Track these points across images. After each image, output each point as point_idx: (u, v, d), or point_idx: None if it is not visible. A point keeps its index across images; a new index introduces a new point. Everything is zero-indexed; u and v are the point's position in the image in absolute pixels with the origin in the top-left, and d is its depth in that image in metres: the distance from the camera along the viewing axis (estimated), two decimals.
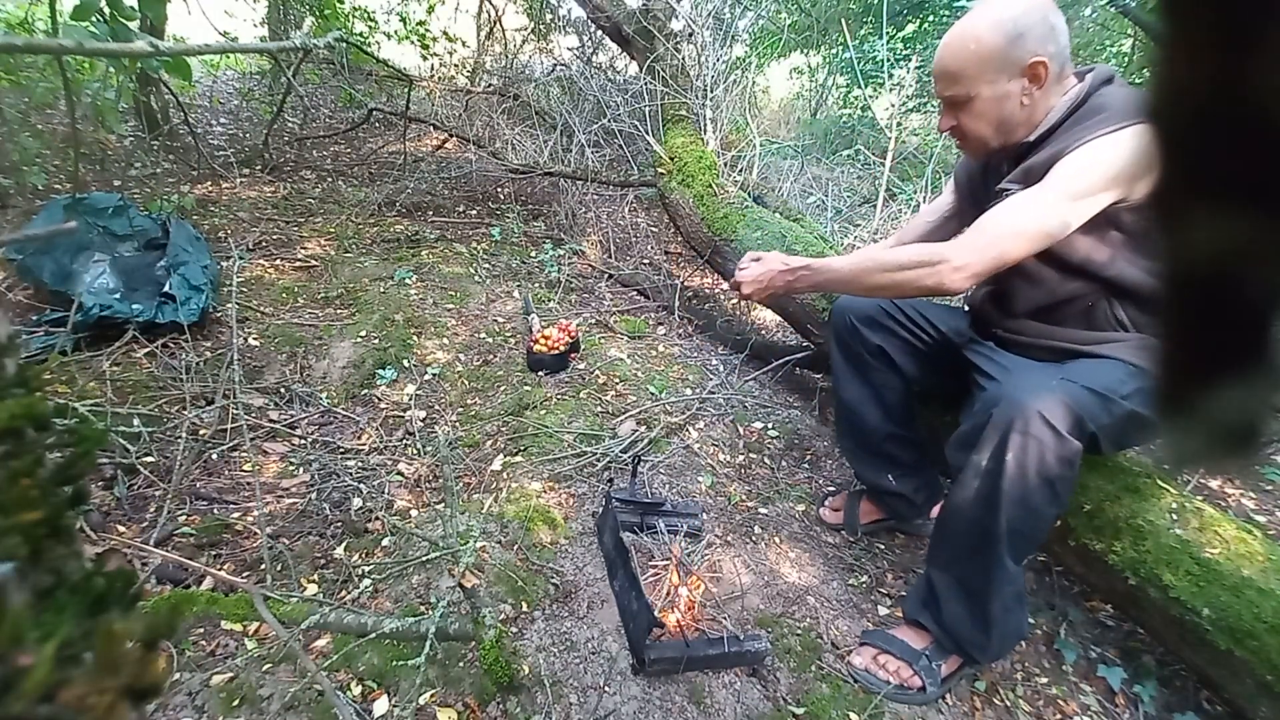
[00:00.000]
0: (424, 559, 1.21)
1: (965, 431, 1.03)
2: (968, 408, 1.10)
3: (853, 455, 1.45)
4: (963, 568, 1.07)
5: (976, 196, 1.21)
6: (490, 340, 2.15)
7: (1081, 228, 0.99)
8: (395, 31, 4.73)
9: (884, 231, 2.78)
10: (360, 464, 1.55)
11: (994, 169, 1.15)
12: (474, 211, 3.42)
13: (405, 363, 1.95)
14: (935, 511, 1.43)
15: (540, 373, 1.96)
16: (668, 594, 1.23)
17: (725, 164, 2.68)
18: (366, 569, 1.23)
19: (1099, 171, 0.95)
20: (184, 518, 1.31)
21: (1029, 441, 0.93)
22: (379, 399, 1.80)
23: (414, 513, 1.42)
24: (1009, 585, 1.04)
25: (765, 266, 1.24)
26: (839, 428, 1.46)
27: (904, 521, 1.50)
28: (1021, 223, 0.99)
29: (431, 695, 1.01)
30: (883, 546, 1.48)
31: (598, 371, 1.99)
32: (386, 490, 1.47)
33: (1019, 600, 1.07)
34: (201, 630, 1.08)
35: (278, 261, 2.46)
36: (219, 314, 1.97)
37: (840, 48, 5.35)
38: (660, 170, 2.52)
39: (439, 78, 4.90)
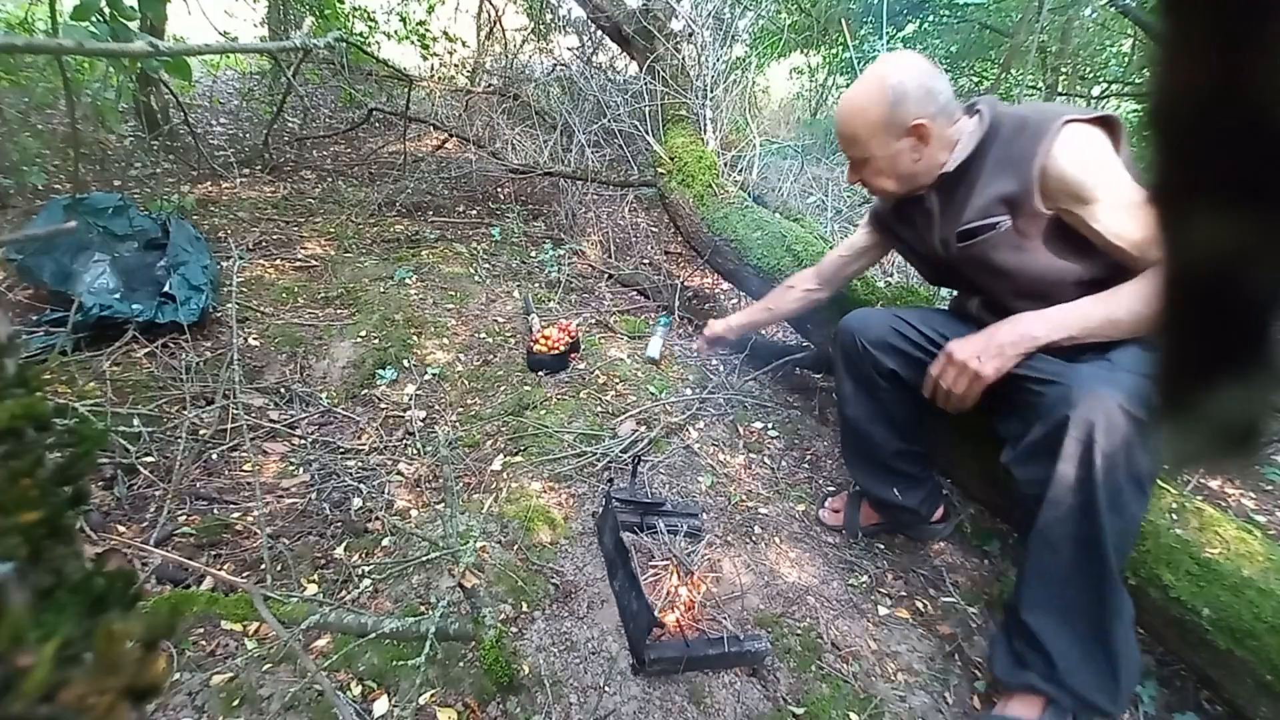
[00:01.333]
0: (424, 559, 1.21)
1: (1036, 441, 0.97)
2: (1020, 417, 1.04)
3: (859, 471, 1.41)
4: (1070, 601, 0.96)
5: (893, 229, 1.33)
6: (490, 340, 2.15)
7: (1057, 228, 1.03)
8: (395, 31, 4.74)
9: None
10: (360, 464, 1.55)
11: (912, 201, 1.22)
12: (474, 211, 3.42)
13: (405, 363, 1.95)
14: (938, 515, 1.43)
15: (540, 373, 1.96)
16: (668, 594, 1.23)
17: (725, 164, 2.68)
18: (366, 569, 1.23)
19: (1111, 165, 0.98)
20: (184, 518, 1.31)
21: (1116, 439, 0.89)
22: (379, 399, 1.80)
23: (414, 513, 1.42)
24: (1126, 610, 0.95)
25: (979, 340, 1.06)
26: (845, 444, 1.43)
27: (906, 530, 1.48)
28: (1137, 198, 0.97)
29: (431, 695, 1.01)
30: (882, 546, 1.48)
31: (598, 371, 1.99)
32: (386, 490, 1.47)
33: (1133, 627, 0.97)
34: (201, 630, 1.08)
35: (278, 261, 2.46)
36: (219, 314, 1.97)
37: (840, 48, 5.35)
38: (660, 170, 2.52)
39: (439, 78, 4.90)
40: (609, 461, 1.58)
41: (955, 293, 1.35)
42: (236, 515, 1.35)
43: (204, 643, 1.06)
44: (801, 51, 6.21)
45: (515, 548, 1.30)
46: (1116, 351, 1.00)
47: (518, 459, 1.59)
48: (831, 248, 1.96)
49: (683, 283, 2.62)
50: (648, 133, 2.90)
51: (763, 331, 2.51)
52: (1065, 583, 0.96)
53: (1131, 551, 1.00)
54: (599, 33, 3.86)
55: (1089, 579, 0.94)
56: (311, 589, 1.19)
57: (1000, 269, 1.10)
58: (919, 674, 1.19)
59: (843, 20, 4.50)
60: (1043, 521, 0.96)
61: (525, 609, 1.18)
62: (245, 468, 1.47)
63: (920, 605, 1.35)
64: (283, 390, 1.75)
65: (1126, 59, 5.45)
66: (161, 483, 1.35)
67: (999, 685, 1.07)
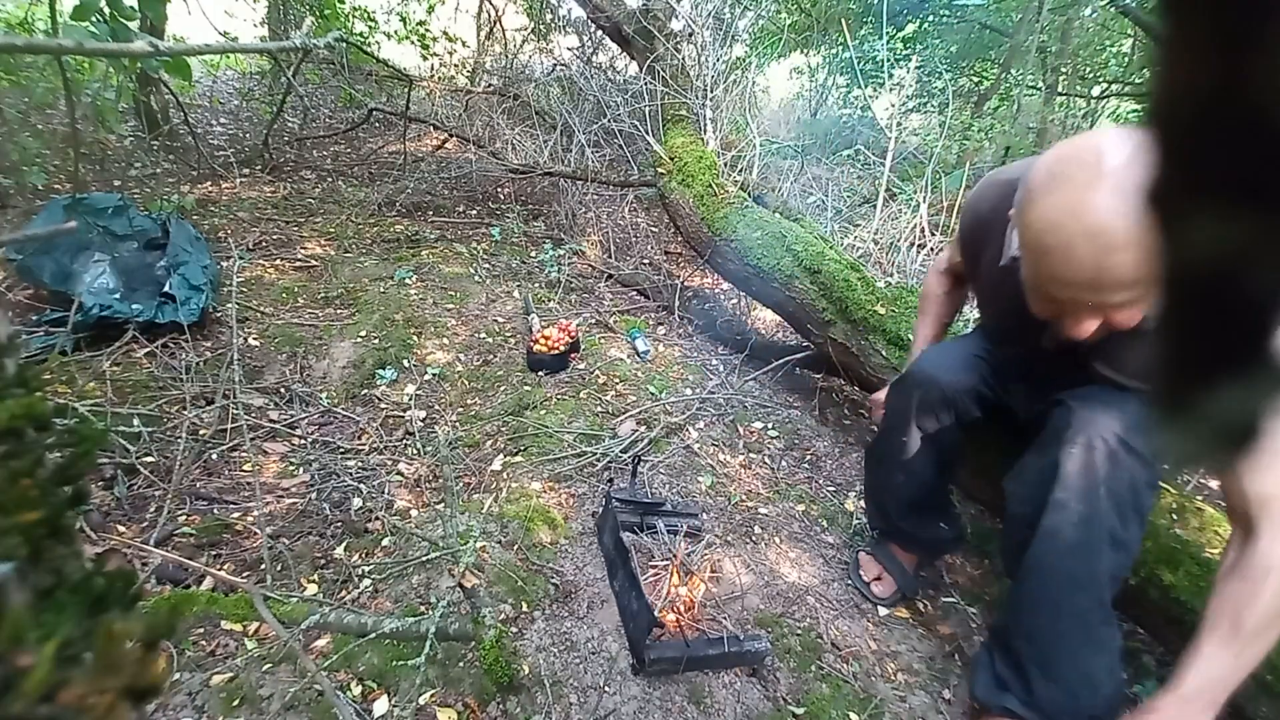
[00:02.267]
0: (424, 559, 1.21)
1: (1031, 462, 0.96)
2: (1036, 438, 1.01)
3: (907, 519, 1.28)
4: (1061, 632, 0.94)
5: (987, 288, 1.11)
6: (490, 340, 2.15)
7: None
8: (395, 31, 4.74)
9: (884, 232, 2.78)
10: (360, 464, 1.55)
11: None
12: (474, 211, 3.42)
13: (405, 363, 1.95)
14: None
15: (540, 373, 1.96)
16: (668, 594, 1.23)
17: (725, 164, 2.68)
18: (366, 569, 1.23)
19: None
20: (184, 518, 1.31)
21: (1118, 472, 0.87)
22: (379, 399, 1.80)
23: (414, 513, 1.42)
24: (1115, 644, 0.94)
25: None
26: (890, 494, 1.28)
27: (942, 554, 1.40)
28: None
29: (431, 695, 1.01)
30: None
31: (598, 371, 1.99)
32: (386, 490, 1.47)
33: (1122, 658, 0.96)
34: (201, 630, 1.08)
35: (278, 261, 2.46)
36: (219, 314, 1.97)
37: (840, 48, 5.36)
38: (660, 170, 2.52)
39: (439, 78, 4.90)
40: (609, 461, 1.58)
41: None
42: (236, 515, 1.35)
43: (204, 643, 1.06)
44: (801, 51, 6.22)
45: (515, 548, 1.30)
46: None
47: (518, 459, 1.59)
48: (831, 247, 1.97)
49: (683, 283, 2.62)
50: (648, 133, 2.90)
51: (762, 331, 2.51)
52: (1057, 614, 0.94)
53: (1127, 577, 0.99)
54: (599, 33, 3.86)
55: (1083, 613, 0.92)
56: (311, 589, 1.19)
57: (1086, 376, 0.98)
58: (919, 674, 1.19)
59: (843, 20, 4.50)
60: (1040, 551, 0.94)
61: (525, 609, 1.18)
62: (245, 468, 1.47)
63: (920, 605, 1.35)
64: (283, 390, 1.75)
65: (1126, 59, 5.45)
66: (161, 483, 1.35)
67: (977, 705, 1.06)
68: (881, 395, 1.26)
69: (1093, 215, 0.74)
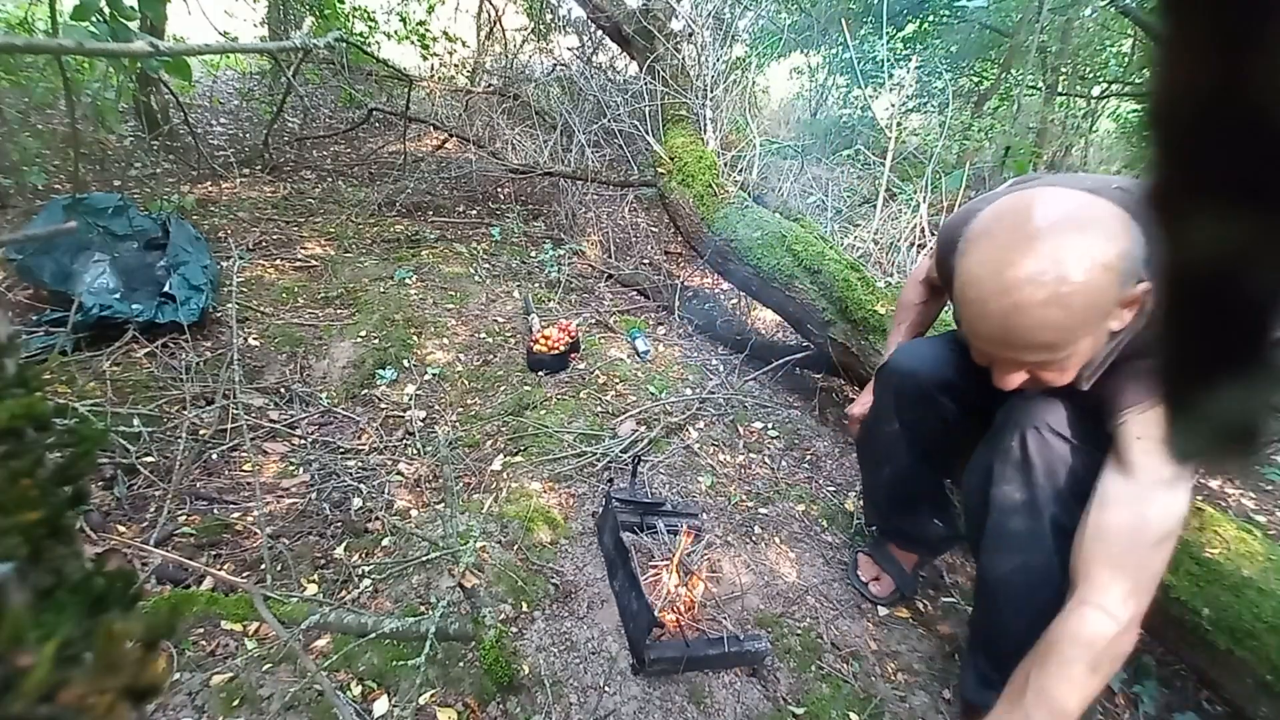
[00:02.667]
0: (424, 559, 1.21)
1: (978, 455, 0.98)
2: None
3: (898, 516, 1.29)
4: (1025, 621, 0.92)
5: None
6: (490, 340, 2.15)
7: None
8: (395, 31, 4.73)
9: (884, 232, 2.78)
10: (360, 464, 1.55)
11: None
12: (474, 211, 3.42)
13: (405, 363, 1.95)
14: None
15: (540, 373, 1.96)
16: (667, 594, 1.23)
17: (725, 164, 2.68)
18: (366, 569, 1.23)
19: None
20: (184, 518, 1.31)
21: (1050, 455, 0.88)
22: (379, 399, 1.80)
23: (414, 513, 1.42)
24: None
25: None
26: (879, 490, 1.29)
27: (941, 551, 1.39)
28: (1158, 530, 0.81)
29: (431, 695, 1.01)
30: None
31: (598, 371, 1.99)
32: (386, 490, 1.47)
33: None
34: (201, 630, 1.08)
35: (278, 261, 2.46)
36: (219, 314, 1.97)
37: (840, 48, 5.36)
38: (660, 170, 2.52)
39: (439, 78, 4.90)
40: (609, 461, 1.58)
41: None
42: (236, 515, 1.35)
43: (204, 643, 1.06)
44: (801, 51, 6.21)
45: (515, 548, 1.30)
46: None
47: (518, 459, 1.59)
48: (831, 247, 1.97)
49: (683, 283, 2.62)
50: (648, 133, 2.90)
51: (762, 331, 2.51)
52: (1019, 606, 0.94)
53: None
54: (599, 33, 3.86)
55: (1044, 605, 0.90)
56: (311, 589, 1.19)
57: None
58: (919, 674, 1.19)
59: (843, 20, 4.50)
60: (991, 544, 0.96)
61: (525, 609, 1.18)
62: (245, 468, 1.47)
63: (920, 605, 1.35)
64: (283, 390, 1.75)
65: (1126, 59, 5.45)
66: (161, 483, 1.35)
67: (970, 707, 1.04)
68: (856, 410, 1.24)
69: (1008, 275, 0.75)
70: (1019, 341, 0.78)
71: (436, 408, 1.81)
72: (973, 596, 1.06)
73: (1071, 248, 0.73)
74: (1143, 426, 0.83)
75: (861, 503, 1.59)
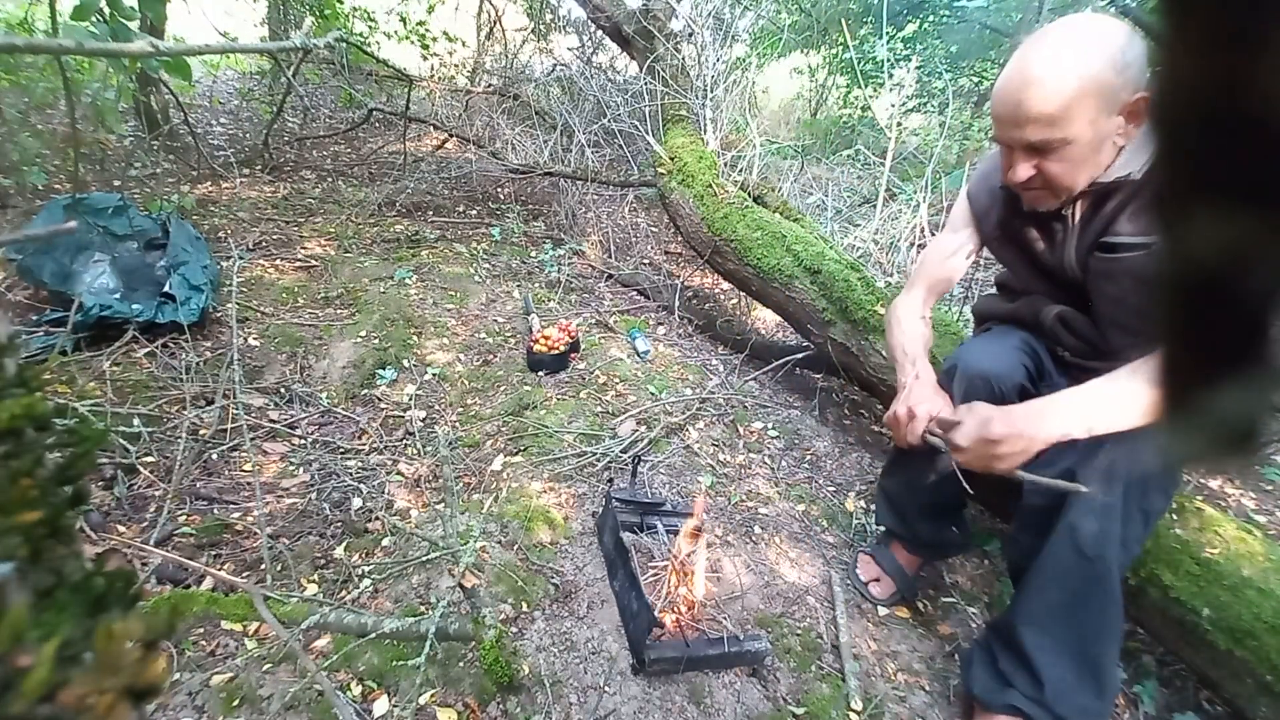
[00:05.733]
0: (424, 559, 1.21)
1: (1059, 457, 0.93)
2: None
3: (919, 522, 1.26)
4: (1078, 628, 0.93)
5: (1005, 232, 1.09)
6: (490, 340, 2.15)
7: None
8: (395, 31, 4.73)
9: (884, 232, 2.78)
10: (360, 464, 1.55)
11: (1037, 212, 1.02)
12: (474, 211, 3.42)
13: (405, 363, 1.95)
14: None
15: (540, 373, 1.96)
16: (667, 594, 1.23)
17: (725, 164, 2.68)
18: (366, 569, 1.23)
19: None
20: (184, 518, 1.31)
21: (1138, 466, 0.87)
22: (379, 399, 1.80)
23: (414, 513, 1.42)
24: (1120, 635, 0.93)
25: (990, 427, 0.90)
26: (913, 498, 1.24)
27: (948, 555, 1.39)
28: None
29: (431, 695, 1.01)
30: None
31: (598, 371, 1.99)
32: (386, 490, 1.47)
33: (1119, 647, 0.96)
34: (201, 630, 1.08)
35: (278, 261, 2.46)
36: (219, 314, 1.97)
37: (840, 48, 5.36)
38: (660, 170, 2.52)
39: (439, 78, 4.90)
40: (609, 461, 1.58)
41: (1000, 289, 1.20)
42: (236, 515, 1.35)
43: (204, 643, 1.06)
44: (801, 51, 6.22)
45: (515, 548, 1.30)
46: None
47: (518, 459, 1.59)
48: (832, 247, 1.97)
49: (683, 283, 2.62)
50: (648, 133, 2.90)
51: (762, 331, 2.51)
52: (1074, 607, 0.93)
53: (1126, 577, 1.00)
54: (599, 33, 3.86)
55: (1100, 606, 0.92)
56: (311, 589, 1.19)
57: (1128, 291, 0.96)
58: (919, 674, 1.19)
59: (843, 20, 4.50)
60: (1059, 543, 0.92)
61: (525, 609, 1.18)
62: (245, 468, 1.47)
63: (920, 605, 1.35)
64: (283, 390, 1.75)
65: None
66: (161, 483, 1.35)
67: (977, 704, 1.04)
68: (904, 410, 1.08)
69: (1021, 59, 0.87)
70: (1026, 112, 0.87)
71: (436, 408, 1.81)
72: (1017, 592, 1.01)
73: (1073, 39, 0.84)
74: None
75: (863, 503, 1.59)
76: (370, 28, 4.61)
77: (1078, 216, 0.98)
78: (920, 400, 1.03)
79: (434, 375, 1.93)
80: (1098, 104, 0.84)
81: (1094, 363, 1.03)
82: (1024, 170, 0.92)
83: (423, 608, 1.14)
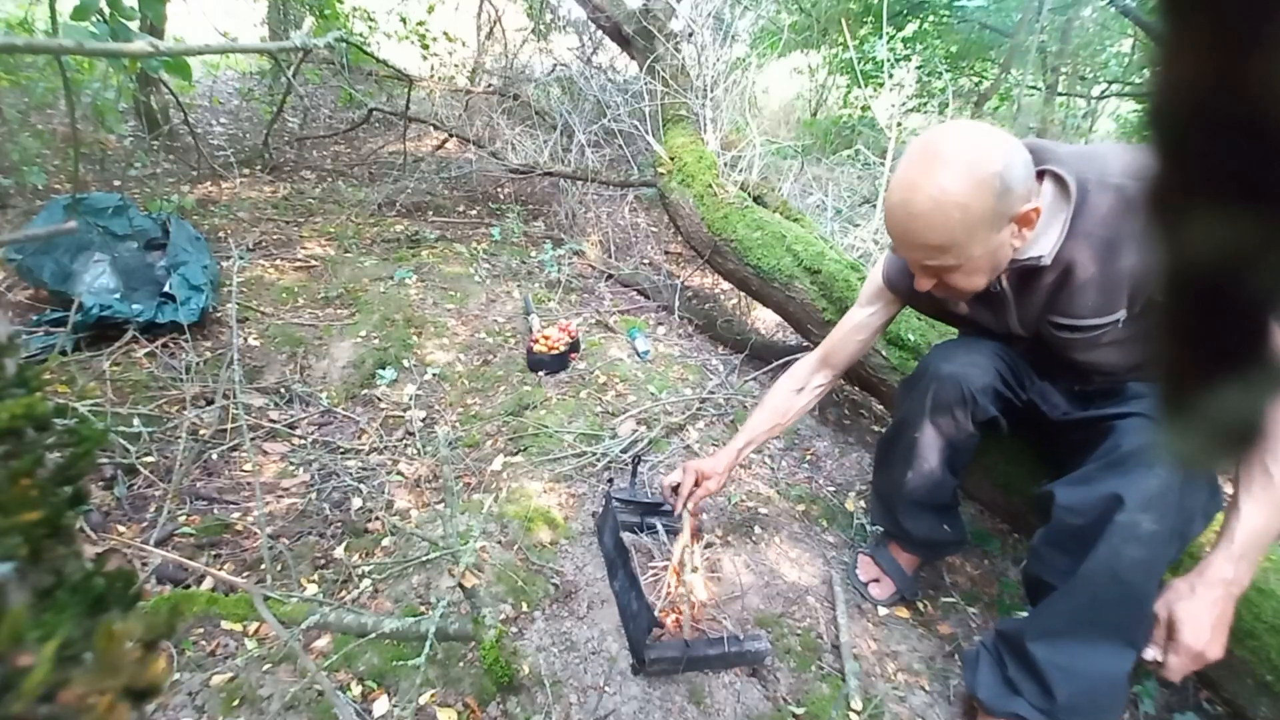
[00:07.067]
0: (424, 559, 1.21)
1: (1092, 471, 0.94)
2: (1074, 446, 1.02)
3: (912, 519, 1.27)
4: (1105, 640, 0.92)
5: (923, 298, 1.09)
6: (490, 340, 2.15)
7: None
8: (395, 31, 4.73)
9: (884, 232, 2.77)
10: (360, 464, 1.55)
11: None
12: (474, 211, 3.42)
13: (405, 363, 1.95)
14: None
15: (540, 373, 1.96)
16: (667, 594, 1.23)
17: (725, 164, 2.68)
18: (366, 569, 1.23)
19: None
20: (184, 518, 1.31)
21: (1191, 494, 0.87)
22: (379, 399, 1.80)
23: (414, 513, 1.42)
24: (1139, 650, 0.92)
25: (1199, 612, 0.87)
26: (899, 492, 1.25)
27: (945, 555, 1.39)
28: None
29: (431, 695, 1.01)
30: None
31: (598, 371, 1.99)
32: (386, 490, 1.47)
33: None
34: (201, 630, 1.08)
35: (278, 261, 2.46)
36: (219, 314, 1.97)
37: (840, 48, 5.36)
38: (660, 170, 2.52)
39: (439, 78, 4.90)
40: (609, 461, 1.58)
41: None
42: (236, 515, 1.35)
43: (204, 643, 1.06)
44: (801, 51, 6.21)
45: (515, 548, 1.30)
46: None
47: (518, 459, 1.59)
48: (832, 247, 1.97)
49: (683, 283, 2.62)
50: (648, 133, 2.90)
51: (762, 331, 2.51)
52: (1105, 628, 0.93)
53: None
54: (599, 33, 3.86)
55: (1130, 625, 0.91)
56: (311, 589, 1.19)
57: (1093, 357, 1.00)
58: (919, 674, 1.19)
59: (842, 20, 4.50)
60: (1099, 565, 0.90)
61: (525, 609, 1.18)
62: (245, 468, 1.47)
63: (920, 605, 1.35)
64: (283, 390, 1.75)
65: (1126, 59, 5.45)
66: (161, 483, 1.35)
67: (981, 707, 1.04)
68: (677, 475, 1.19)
69: (905, 186, 0.88)
70: (914, 241, 0.91)
71: (436, 408, 1.81)
72: (1042, 604, 0.99)
73: (954, 165, 0.84)
74: None
75: (863, 503, 1.59)
76: (370, 28, 4.60)
77: (1010, 290, 1.00)
78: (695, 464, 1.22)
79: (434, 375, 1.93)
80: (985, 229, 0.86)
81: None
82: (925, 283, 0.97)
83: (423, 608, 1.14)
